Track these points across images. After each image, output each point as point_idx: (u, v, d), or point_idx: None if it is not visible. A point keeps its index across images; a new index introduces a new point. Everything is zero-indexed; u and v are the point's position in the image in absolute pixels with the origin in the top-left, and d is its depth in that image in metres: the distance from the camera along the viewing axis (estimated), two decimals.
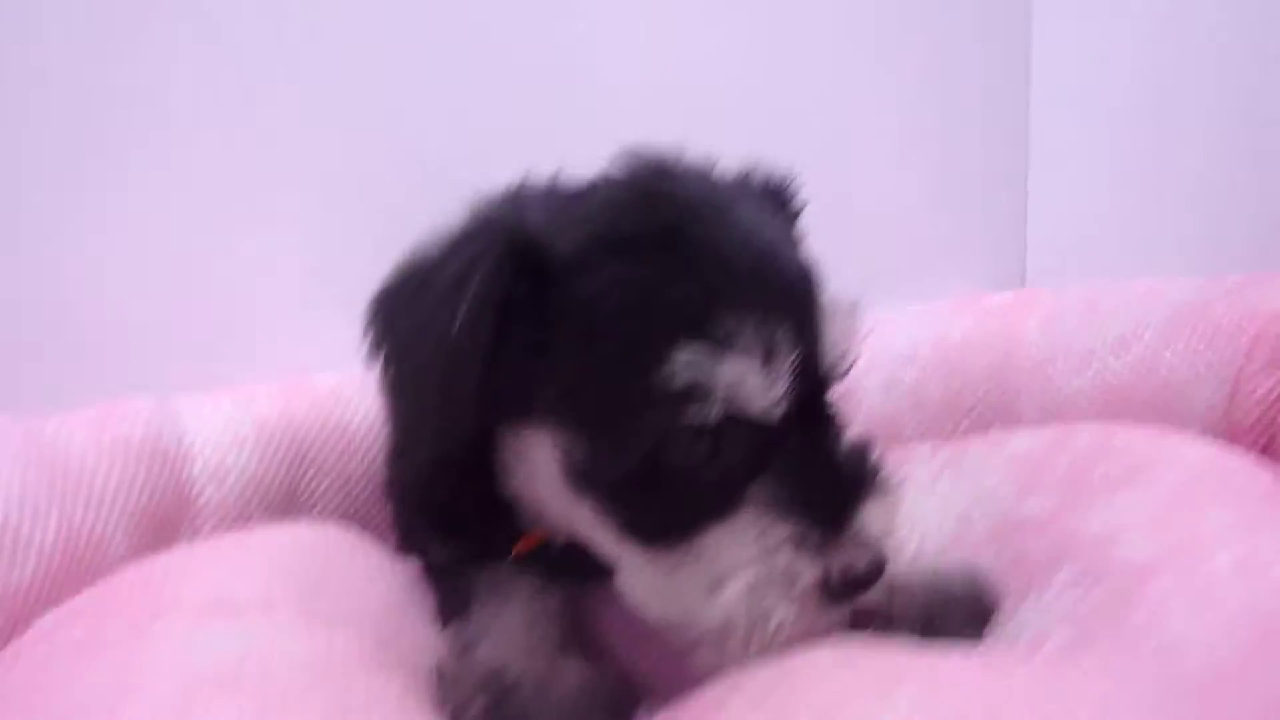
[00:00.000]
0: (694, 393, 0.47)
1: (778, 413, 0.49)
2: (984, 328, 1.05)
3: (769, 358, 0.49)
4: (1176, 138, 1.28)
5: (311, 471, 1.01)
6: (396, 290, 0.57)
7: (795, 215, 0.66)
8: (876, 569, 0.49)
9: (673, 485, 0.50)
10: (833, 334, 0.53)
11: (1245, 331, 0.78)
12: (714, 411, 0.48)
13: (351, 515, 1.01)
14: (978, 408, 1.01)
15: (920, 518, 0.72)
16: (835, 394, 0.56)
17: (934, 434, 1.03)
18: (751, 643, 0.48)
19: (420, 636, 0.63)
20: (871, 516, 0.50)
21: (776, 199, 0.64)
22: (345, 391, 1.05)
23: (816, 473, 0.50)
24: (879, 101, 1.43)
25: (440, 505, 0.67)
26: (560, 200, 0.57)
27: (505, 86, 1.18)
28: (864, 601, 0.51)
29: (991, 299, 1.09)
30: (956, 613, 0.55)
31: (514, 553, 0.65)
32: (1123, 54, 1.34)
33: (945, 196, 1.50)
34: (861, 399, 1.13)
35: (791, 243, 0.59)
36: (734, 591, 0.48)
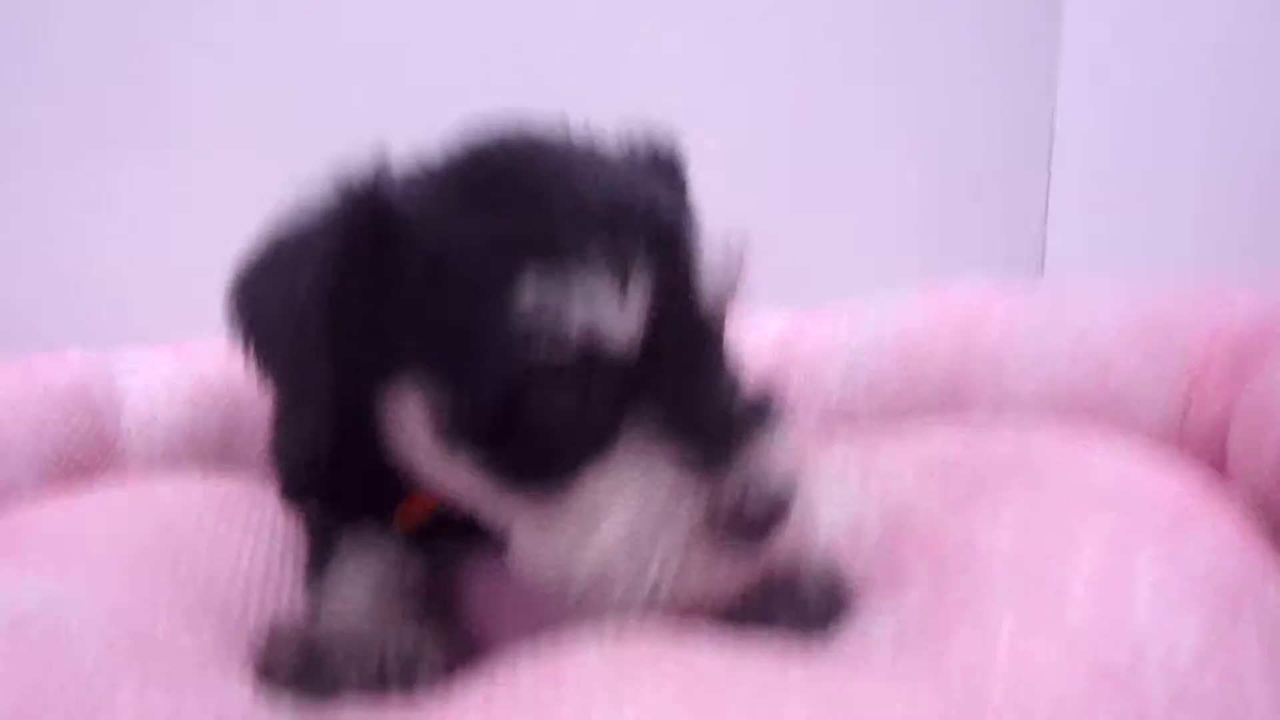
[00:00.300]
0: (545, 328, 0.46)
1: (635, 345, 0.48)
2: (947, 320, 0.99)
3: (623, 287, 0.47)
4: (1196, 133, 1.21)
5: (248, 429, 1.01)
6: (248, 268, 0.57)
7: (679, 176, 0.65)
8: (773, 506, 0.46)
9: (539, 430, 0.49)
10: (710, 272, 0.51)
11: (1202, 341, 0.72)
12: (568, 346, 0.46)
13: None
14: (931, 401, 0.96)
15: (818, 515, 0.68)
16: (727, 341, 0.55)
17: (887, 424, 0.98)
18: (634, 592, 0.45)
19: (281, 600, 0.63)
20: (765, 454, 0.48)
21: (658, 160, 0.63)
22: None
23: (698, 410, 0.48)
24: (903, 94, 1.39)
25: (324, 476, 0.66)
26: (414, 165, 0.56)
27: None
28: (781, 553, 0.48)
29: (958, 291, 1.03)
30: (801, 610, 0.51)
31: (397, 522, 0.64)
32: (1150, 47, 1.28)
33: (967, 186, 1.45)
34: (820, 385, 1.08)
35: (660, 188, 0.56)
36: (608, 537, 0.46)
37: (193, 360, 1.00)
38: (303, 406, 0.56)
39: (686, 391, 0.49)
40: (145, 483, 0.81)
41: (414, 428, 0.54)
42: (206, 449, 0.96)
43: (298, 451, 0.69)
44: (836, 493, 0.69)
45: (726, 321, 0.55)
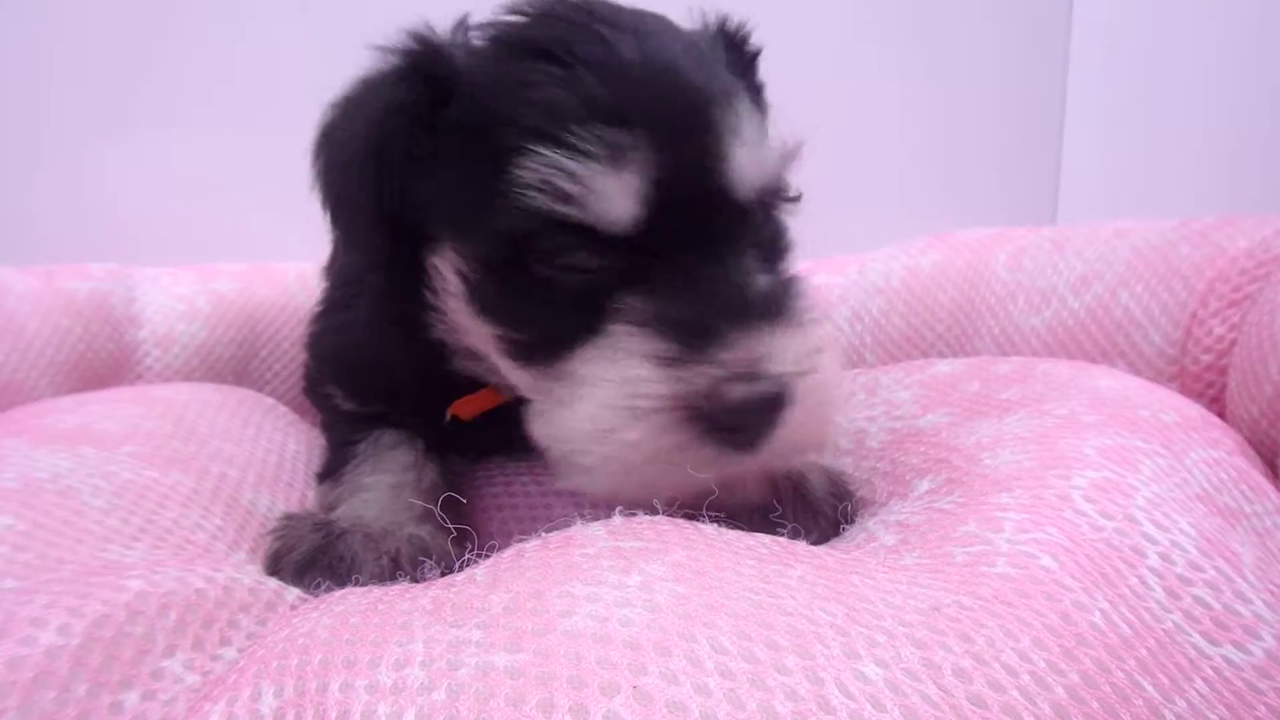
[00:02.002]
0: (544, 194, 0.46)
1: (633, 224, 0.46)
2: (953, 262, 0.99)
3: (622, 163, 0.46)
4: (1205, 91, 1.19)
5: (265, 351, 1.03)
6: (323, 125, 0.57)
7: (749, 58, 0.63)
8: (763, 402, 0.44)
9: (542, 300, 0.49)
10: (740, 155, 0.49)
11: (1203, 275, 0.72)
12: (563, 213, 0.46)
13: (301, 399, 1.03)
14: (938, 343, 0.96)
15: (831, 413, 0.69)
16: (765, 225, 0.53)
17: (892, 362, 0.99)
18: (618, 473, 0.45)
19: (291, 493, 0.64)
20: (768, 343, 0.45)
21: (729, 42, 0.61)
22: (310, 280, 1.06)
23: (698, 295, 0.46)
24: (925, 54, 1.38)
25: (347, 353, 0.66)
26: (476, 30, 0.56)
27: None
28: (782, 450, 0.46)
29: (966, 234, 1.03)
30: (809, 506, 0.52)
31: (450, 415, 0.63)
32: (1162, 11, 1.25)
33: (982, 150, 1.45)
34: (829, 329, 1.09)
35: (709, 70, 0.53)
36: (582, 417, 0.46)
37: (213, 280, 1.01)
38: (363, 254, 0.57)
39: (687, 275, 0.47)
40: (160, 385, 0.83)
41: (453, 295, 0.54)
42: (222, 368, 0.98)
43: (351, 336, 0.66)
44: (841, 407, 0.70)
45: (764, 206, 0.52)
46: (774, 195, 0.53)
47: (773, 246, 0.54)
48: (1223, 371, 0.70)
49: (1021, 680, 0.34)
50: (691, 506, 0.47)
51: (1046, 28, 1.42)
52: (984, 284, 0.92)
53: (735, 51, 0.61)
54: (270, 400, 0.81)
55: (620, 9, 0.55)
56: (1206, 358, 0.70)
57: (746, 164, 0.49)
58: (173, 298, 0.98)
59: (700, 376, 0.44)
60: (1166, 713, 0.35)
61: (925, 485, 0.53)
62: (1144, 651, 0.37)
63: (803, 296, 0.50)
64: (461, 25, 0.56)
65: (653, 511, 0.45)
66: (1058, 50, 1.42)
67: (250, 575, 0.46)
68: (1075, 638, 0.37)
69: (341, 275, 0.73)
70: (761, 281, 0.49)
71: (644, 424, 0.44)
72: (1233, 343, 0.69)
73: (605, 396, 0.46)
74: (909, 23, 1.38)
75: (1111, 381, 0.61)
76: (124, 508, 0.48)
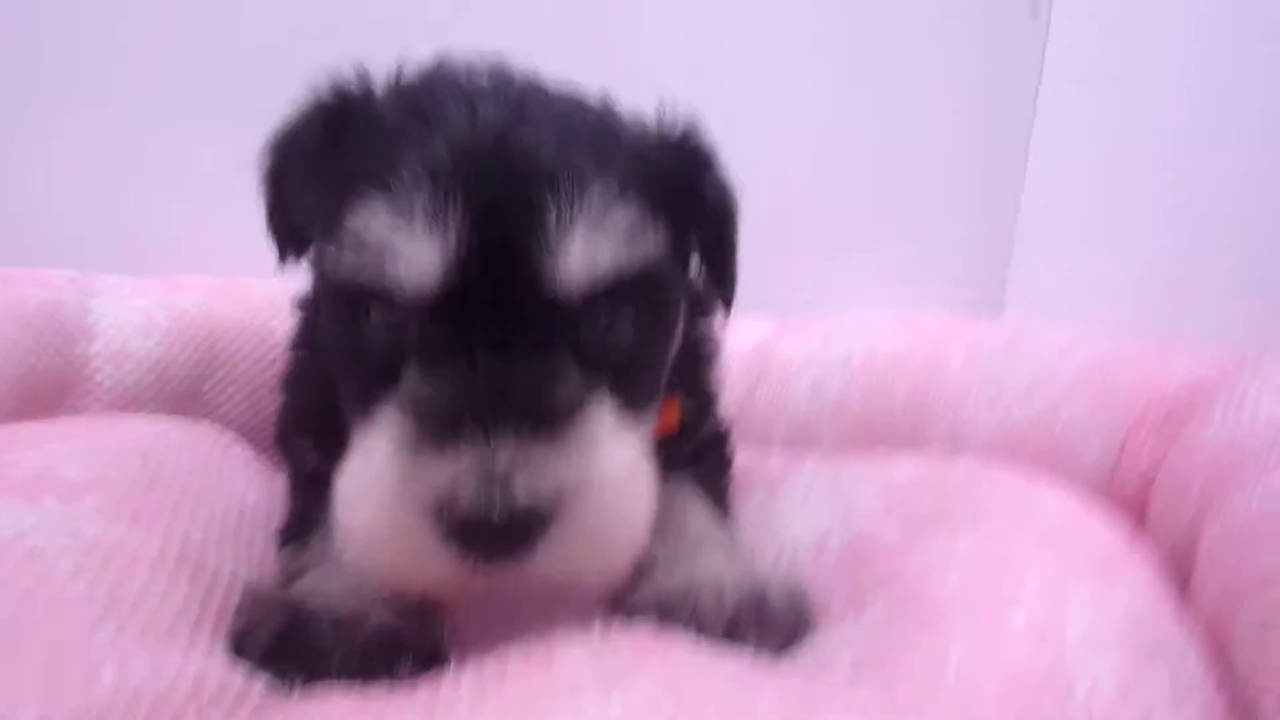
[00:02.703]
0: (355, 248, 0.47)
1: (431, 293, 0.46)
2: (913, 350, 1.04)
3: (428, 230, 0.45)
4: (1169, 145, 1.26)
5: (221, 373, 1.00)
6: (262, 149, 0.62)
7: (700, 164, 0.61)
8: (499, 513, 0.41)
9: (355, 352, 0.50)
10: (565, 249, 0.47)
11: (1137, 401, 0.78)
12: (367, 269, 0.46)
13: (254, 425, 1.00)
14: (890, 432, 1.01)
15: (785, 530, 0.72)
16: (583, 332, 0.49)
17: (846, 445, 1.03)
18: (356, 539, 0.46)
19: (252, 554, 0.63)
20: (527, 456, 0.42)
21: (674, 146, 0.60)
22: (279, 300, 1.04)
23: (476, 384, 0.44)
24: (885, 108, 1.42)
25: (323, 403, 0.63)
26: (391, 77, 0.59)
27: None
28: (545, 572, 0.44)
29: (928, 320, 1.08)
30: (764, 627, 0.53)
31: None
32: (1130, 50, 1.31)
33: (942, 195, 1.49)
34: (789, 399, 1.12)
35: (571, 158, 0.50)
36: (344, 476, 0.47)
37: (177, 294, 0.98)
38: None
39: (471, 362, 0.45)
40: (117, 415, 0.81)
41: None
42: (175, 388, 0.95)
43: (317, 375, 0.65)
44: (799, 517, 0.73)
45: (600, 306, 0.49)
46: (617, 296, 0.50)
47: (602, 357, 0.50)
48: (1147, 494, 0.76)
49: None
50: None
51: (1011, 99, 1.47)
52: (940, 379, 0.97)
53: (682, 158, 0.59)
54: (229, 438, 0.79)
55: (532, 87, 0.57)
56: (1135, 481, 0.76)
57: (571, 260, 0.47)
58: (130, 309, 0.94)
59: (435, 477, 0.42)
60: None
61: (879, 604, 0.56)
62: None
63: (600, 411, 0.47)
64: (397, 68, 0.59)
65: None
66: (1026, 92, 1.47)
67: (218, 664, 0.45)
68: None
69: (302, 303, 0.73)
70: (554, 386, 0.46)
71: (375, 510, 0.44)
72: (1157, 469, 0.75)
73: (353, 469, 0.47)
74: (869, 79, 1.41)
75: (1051, 503, 0.65)
76: (91, 570, 0.47)
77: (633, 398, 0.52)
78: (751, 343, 1.19)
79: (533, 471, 0.43)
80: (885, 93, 1.40)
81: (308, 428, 0.67)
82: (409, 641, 0.50)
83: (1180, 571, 0.68)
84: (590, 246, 0.47)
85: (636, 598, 0.55)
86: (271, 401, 1.02)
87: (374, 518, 0.45)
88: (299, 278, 0.66)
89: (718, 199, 0.62)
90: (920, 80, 1.40)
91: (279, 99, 0.57)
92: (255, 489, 0.70)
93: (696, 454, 0.72)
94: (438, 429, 0.43)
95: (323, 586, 0.54)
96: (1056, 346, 0.90)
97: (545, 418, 0.45)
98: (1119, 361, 0.82)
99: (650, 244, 0.51)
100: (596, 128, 0.55)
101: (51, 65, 1.04)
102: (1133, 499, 0.77)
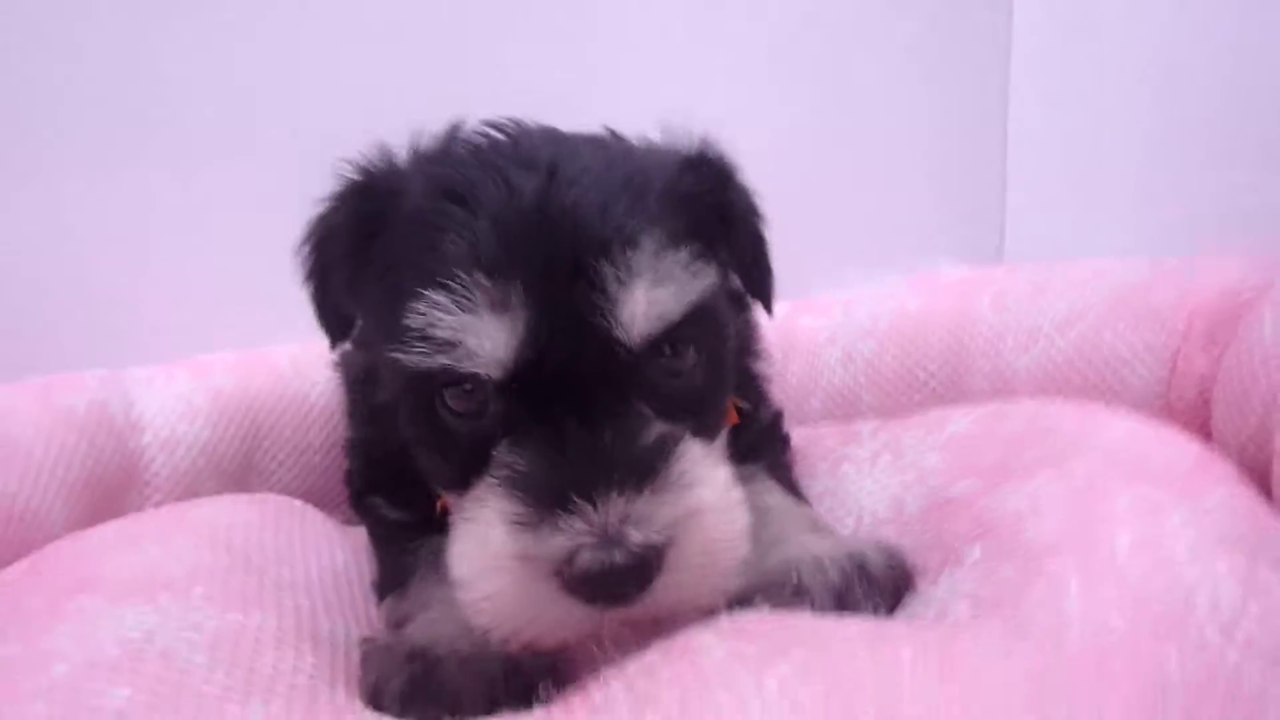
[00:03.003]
0: (428, 340, 0.49)
1: (508, 371, 0.49)
2: (939, 304, 1.05)
3: (496, 312, 0.48)
4: (1142, 123, 1.28)
5: (268, 443, 1.01)
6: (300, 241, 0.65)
7: (722, 182, 0.62)
8: (614, 566, 0.44)
9: (443, 433, 0.53)
10: (624, 305, 0.49)
11: (1182, 312, 0.79)
12: (442, 361, 0.49)
13: (309, 486, 1.02)
14: (931, 382, 1.02)
15: (857, 498, 0.73)
16: (652, 377, 0.52)
17: (889, 407, 1.04)
18: (481, 609, 0.48)
19: (356, 610, 0.64)
20: (625, 509, 0.46)
21: (694, 166, 0.61)
22: (304, 363, 1.05)
23: (567, 450, 0.47)
24: (869, 87, 1.44)
25: (389, 461, 0.67)
26: (415, 154, 0.61)
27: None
28: (662, 607, 0.47)
29: (948, 276, 1.09)
30: (870, 588, 0.55)
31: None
32: (1101, 37, 1.34)
33: (930, 173, 1.51)
34: (821, 372, 1.13)
35: (613, 212, 0.52)
36: (457, 552, 0.50)
37: (207, 375, 0.99)
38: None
39: (558, 429, 0.48)
40: (182, 503, 0.81)
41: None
42: (228, 464, 0.96)
43: (385, 441, 0.67)
44: (870, 482, 0.74)
45: (662, 352, 0.52)
46: (678, 336, 0.52)
47: (673, 394, 0.53)
48: (1206, 403, 0.77)
49: None
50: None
51: (985, 65, 1.50)
52: (971, 325, 0.98)
53: (702, 175, 0.60)
54: (299, 504, 0.80)
55: (552, 140, 0.59)
56: (1191, 392, 0.77)
57: (634, 317, 0.49)
58: (170, 398, 0.95)
59: (548, 542, 0.45)
60: None
61: (976, 553, 0.57)
62: (1221, 689, 0.42)
63: (685, 447, 0.50)
64: (415, 145, 0.61)
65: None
66: (995, 90, 1.50)
67: (368, 718, 0.46)
68: (1161, 689, 0.41)
69: (350, 372, 0.74)
70: (640, 439, 0.49)
71: (497, 580, 0.47)
72: (1214, 378, 0.76)
73: (468, 548, 0.49)
74: (843, 59, 1.43)
75: (1118, 432, 0.66)
76: (224, 660, 0.48)
77: (707, 423, 0.56)
78: (769, 324, 1.20)
79: (639, 521, 0.46)
80: (855, 68, 1.42)
81: (380, 486, 0.70)
82: (528, 667, 0.51)
83: (1256, 473, 0.69)
84: (649, 300, 0.50)
85: (741, 590, 0.56)
86: (322, 460, 1.05)
87: (501, 590, 0.47)
88: (315, 339, 0.67)
89: (744, 204, 0.64)
90: (892, 48, 1.42)
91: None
92: (339, 549, 0.71)
93: (756, 442, 0.74)
94: (547, 501, 0.46)
95: (435, 630, 0.55)
96: (1085, 276, 0.91)
97: (639, 469, 0.47)
98: (1153, 282, 0.83)
99: (702, 279, 0.53)
100: (626, 170, 0.56)
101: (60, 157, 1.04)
102: (1191, 413, 0.78)
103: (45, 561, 0.61)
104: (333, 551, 0.70)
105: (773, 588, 0.54)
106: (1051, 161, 1.45)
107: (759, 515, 0.63)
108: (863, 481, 0.75)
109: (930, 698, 0.39)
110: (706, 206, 0.59)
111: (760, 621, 0.47)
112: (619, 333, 0.49)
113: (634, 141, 0.63)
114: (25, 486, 0.75)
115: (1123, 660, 0.42)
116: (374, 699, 0.50)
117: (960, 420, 0.77)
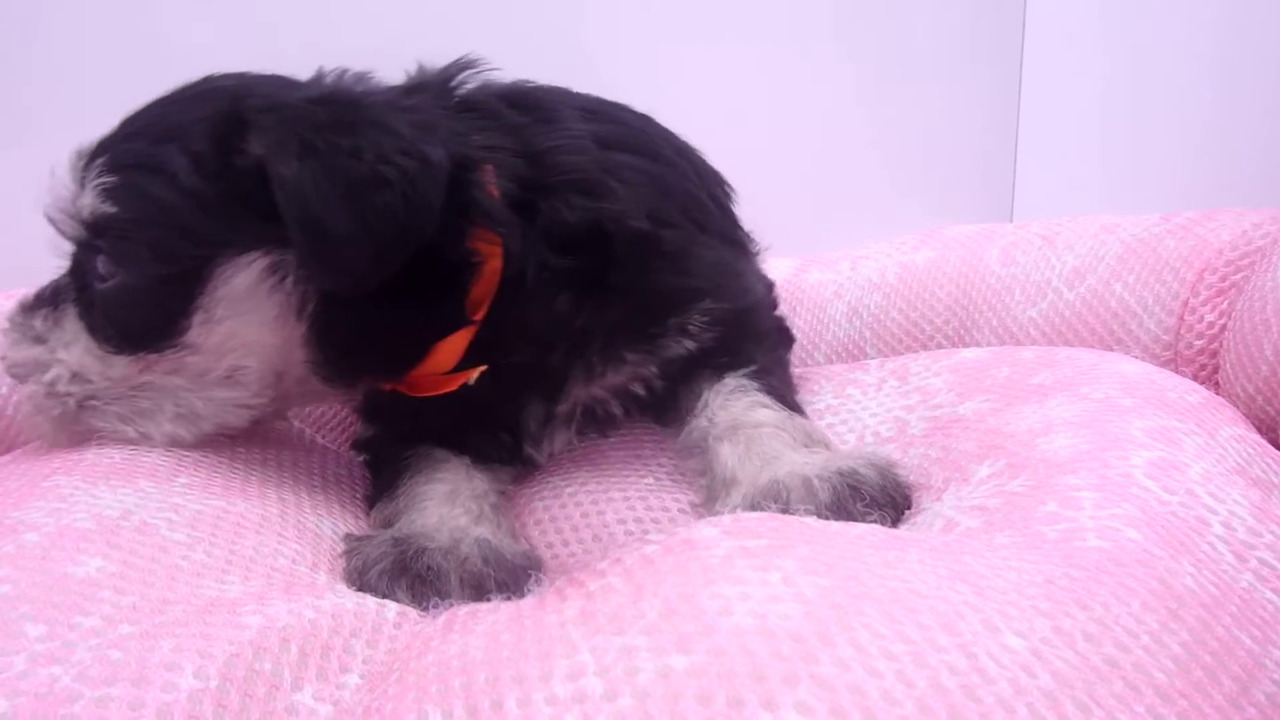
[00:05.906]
0: None
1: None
2: (947, 258, 1.03)
3: None
4: (1158, 94, 1.28)
5: None
6: None
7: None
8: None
9: None
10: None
11: (1192, 265, 0.78)
12: None
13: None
14: (936, 336, 1.00)
15: (860, 417, 0.72)
16: None
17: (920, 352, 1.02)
18: None
19: (345, 513, 0.63)
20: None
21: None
22: None
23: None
24: (881, 51, 1.43)
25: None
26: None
27: None
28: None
29: (956, 230, 1.07)
30: (868, 501, 0.53)
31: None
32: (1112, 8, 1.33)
33: (943, 137, 1.50)
34: (827, 325, 1.12)
35: None
36: None
37: None
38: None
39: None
40: None
41: None
42: None
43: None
44: (873, 404, 0.72)
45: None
46: None
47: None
48: (1214, 355, 0.76)
49: (1142, 641, 0.37)
50: None
51: (1001, 25, 1.48)
52: (979, 279, 0.97)
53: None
54: (295, 426, 0.78)
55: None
56: (1199, 343, 0.76)
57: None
58: None
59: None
60: (1266, 660, 0.38)
61: (985, 470, 0.55)
62: (1234, 608, 0.40)
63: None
64: None
65: None
66: (1013, 49, 1.48)
67: (350, 598, 0.45)
68: (1175, 600, 0.40)
69: None
70: None
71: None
72: (1223, 328, 0.74)
73: None
74: (859, 22, 1.42)
75: (1133, 366, 0.65)
76: (204, 539, 0.46)
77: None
78: (778, 280, 1.18)
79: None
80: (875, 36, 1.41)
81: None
82: (510, 554, 0.53)
83: (1265, 424, 0.68)
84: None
85: (728, 508, 0.55)
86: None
87: None
88: None
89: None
90: (905, 10, 1.41)
91: None
92: (333, 463, 0.70)
93: (737, 341, 0.71)
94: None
95: (415, 525, 0.56)
96: (1094, 230, 0.90)
97: None
98: (1164, 234, 0.82)
99: None
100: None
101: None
102: (1198, 362, 0.77)
103: (27, 453, 0.59)
104: (324, 463, 0.69)
105: (761, 507, 0.53)
106: (1064, 125, 1.44)
107: (746, 434, 0.62)
108: (867, 403, 0.73)
109: (940, 596, 0.37)
110: None
111: (764, 519, 0.45)
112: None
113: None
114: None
115: (1137, 571, 0.41)
116: (359, 579, 0.49)
117: (972, 351, 0.76)
